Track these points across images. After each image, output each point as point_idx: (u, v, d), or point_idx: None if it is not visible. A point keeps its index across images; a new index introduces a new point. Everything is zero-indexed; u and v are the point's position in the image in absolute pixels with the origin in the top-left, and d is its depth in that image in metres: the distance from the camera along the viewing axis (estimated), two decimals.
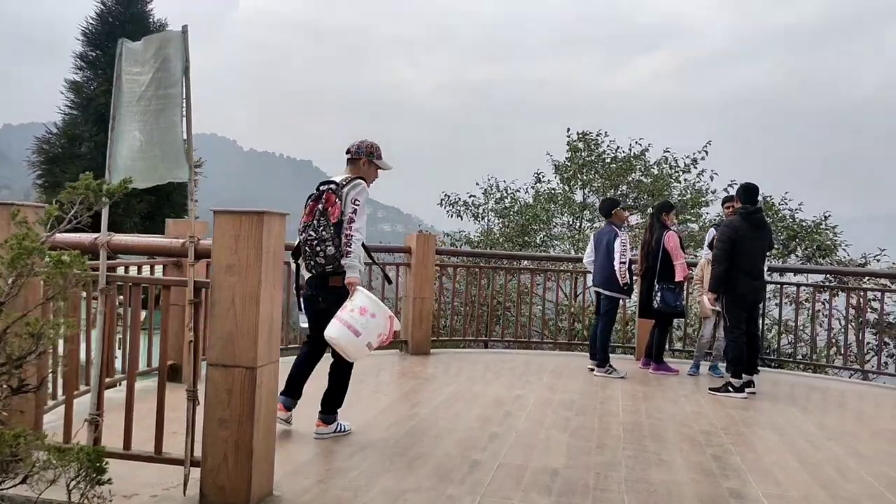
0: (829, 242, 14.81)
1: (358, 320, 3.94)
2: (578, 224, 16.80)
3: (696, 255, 10.64)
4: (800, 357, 8.71)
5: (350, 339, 3.93)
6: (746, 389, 6.18)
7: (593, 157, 16.66)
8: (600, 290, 6.90)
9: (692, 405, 5.70)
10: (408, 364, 6.92)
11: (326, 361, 4.38)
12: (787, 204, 15.57)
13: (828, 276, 12.34)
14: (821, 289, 10.39)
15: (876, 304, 9.52)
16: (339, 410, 4.34)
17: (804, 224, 15.05)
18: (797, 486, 3.80)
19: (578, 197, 17.08)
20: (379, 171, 4.55)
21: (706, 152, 16.43)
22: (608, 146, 16.76)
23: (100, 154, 12.76)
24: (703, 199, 16.15)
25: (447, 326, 9.54)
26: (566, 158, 17.03)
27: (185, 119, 3.10)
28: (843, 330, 9.20)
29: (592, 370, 6.90)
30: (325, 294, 4.18)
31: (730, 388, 6.13)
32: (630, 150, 16.68)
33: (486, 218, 17.61)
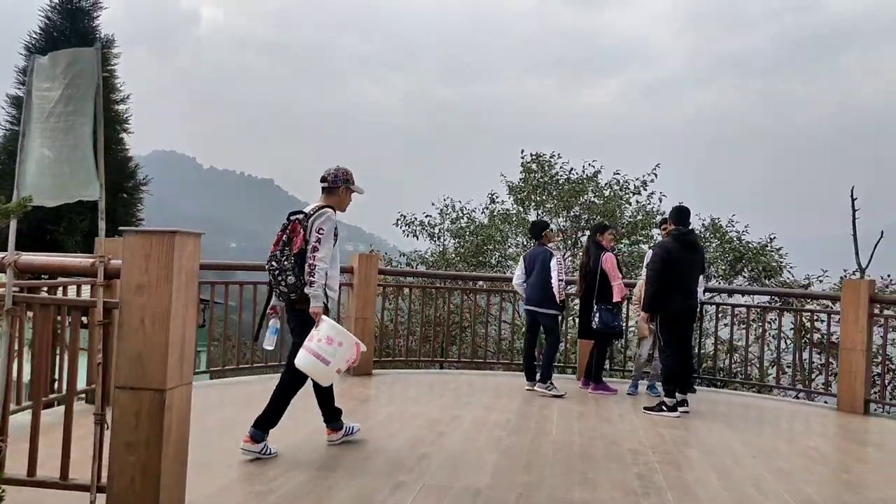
0: (774, 264, 15.22)
1: (325, 350, 4.14)
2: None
3: (640, 276, 10.78)
4: (743, 377, 8.88)
5: (319, 368, 4.15)
6: (680, 408, 6.27)
7: (546, 179, 16.88)
8: (537, 310, 6.97)
9: (626, 424, 5.76)
10: (348, 385, 6.87)
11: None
12: (734, 226, 16.01)
13: (773, 297, 12.65)
14: (767, 310, 10.60)
15: (820, 325, 9.77)
16: (271, 431, 4.30)
17: (750, 246, 15.44)
18: (715, 502, 3.86)
19: (532, 217, 17.26)
20: (352, 194, 4.64)
21: (655, 175, 16.81)
22: (561, 167, 17.03)
23: None
24: (653, 220, 16.45)
25: (399, 347, 9.51)
26: (520, 179, 17.24)
27: (95, 137, 3.06)
28: (787, 350, 9.46)
29: (531, 390, 6.94)
30: (290, 315, 4.41)
31: (663, 408, 6.22)
32: (583, 171, 16.97)
33: (441, 238, 17.69)
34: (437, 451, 4.60)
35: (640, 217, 16.49)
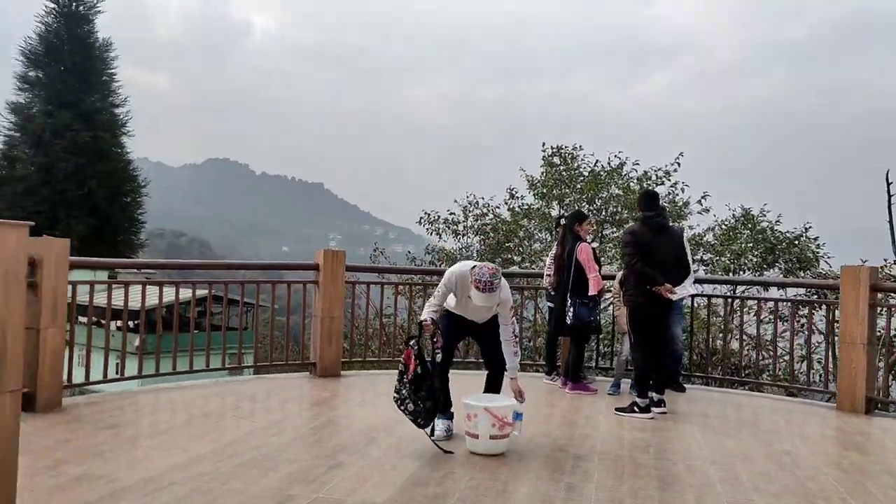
0: (810, 254, 14.37)
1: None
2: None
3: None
4: (743, 375, 8.24)
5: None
6: (655, 409, 5.78)
7: (569, 172, 16.35)
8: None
9: (588, 428, 5.31)
10: (308, 387, 6.57)
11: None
12: (765, 216, 15.19)
13: (809, 289, 11.90)
14: (802, 304, 9.84)
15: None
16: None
17: (783, 236, 14.62)
18: None
19: (555, 212, 16.75)
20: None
21: (678, 164, 16.12)
22: (583, 160, 16.48)
23: (38, 176, 12.71)
24: (683, 211, 15.76)
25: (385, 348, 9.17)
26: (541, 174, 16.76)
27: None
28: (816, 348, 8.69)
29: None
30: None
31: (635, 409, 5.73)
32: (608, 163, 16.38)
33: (465, 235, 17.34)
34: (355, 460, 4.24)
35: (670, 206, 15.75)
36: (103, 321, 6.94)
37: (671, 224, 6.24)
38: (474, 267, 4.45)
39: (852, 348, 6.17)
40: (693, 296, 7.25)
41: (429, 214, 17.03)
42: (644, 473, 4.16)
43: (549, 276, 7.13)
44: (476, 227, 16.94)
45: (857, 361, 6.13)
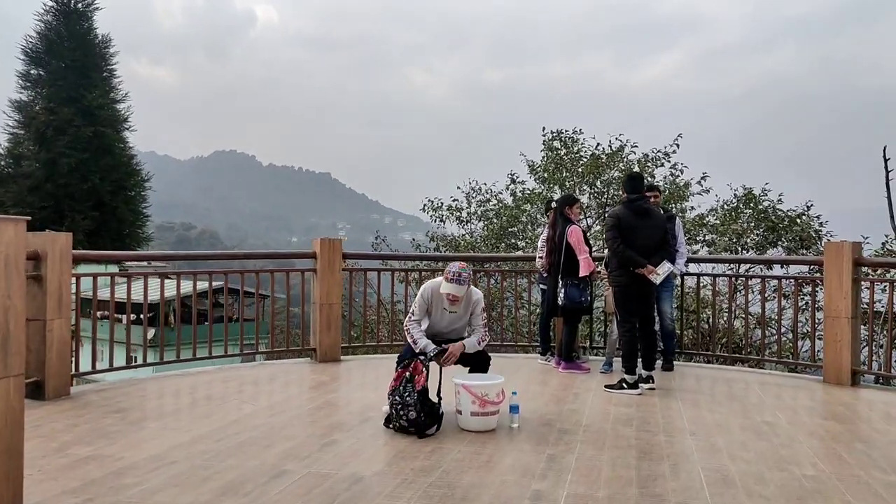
0: (812, 233, 14.43)
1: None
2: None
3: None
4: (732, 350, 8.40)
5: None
6: (644, 385, 5.95)
7: (570, 156, 16.43)
8: None
9: (576, 404, 5.48)
10: (308, 371, 6.78)
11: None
12: (766, 195, 15.23)
13: (812, 266, 11.99)
14: (805, 281, 9.95)
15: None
16: None
17: (785, 215, 14.67)
18: (614, 485, 3.59)
19: (556, 197, 16.83)
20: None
21: (677, 145, 16.18)
22: (584, 143, 16.56)
23: (42, 173, 12.91)
24: (684, 192, 15.82)
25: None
26: (542, 158, 16.85)
27: None
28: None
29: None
30: None
31: (624, 385, 5.90)
32: (609, 146, 16.44)
33: (469, 222, 17.47)
34: (347, 438, 4.43)
35: (671, 188, 15.80)
36: (117, 315, 7.16)
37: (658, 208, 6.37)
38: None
39: (836, 322, 6.31)
40: (682, 275, 7.40)
41: (432, 201, 17.18)
42: (624, 444, 4.33)
43: (541, 258, 7.30)
44: (479, 213, 17.10)
45: (841, 335, 6.27)
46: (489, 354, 5.12)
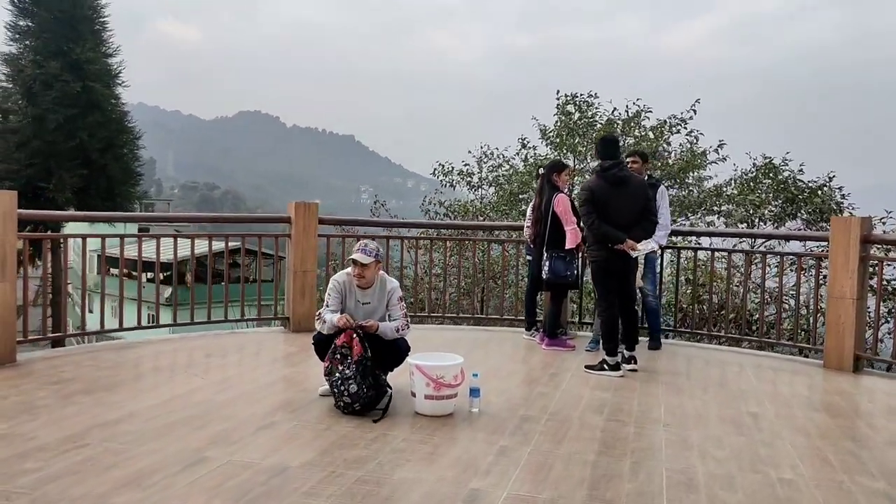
0: (834, 205, 13.81)
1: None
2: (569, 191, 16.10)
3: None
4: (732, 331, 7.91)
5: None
6: (626, 366, 5.56)
7: (584, 121, 15.83)
8: None
9: (549, 387, 5.10)
10: (280, 341, 6.50)
11: None
12: (787, 165, 14.57)
13: (820, 243, 11.41)
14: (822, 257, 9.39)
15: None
16: None
17: (805, 185, 14.03)
18: (562, 485, 3.22)
19: (570, 163, 16.29)
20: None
21: (694, 111, 15.52)
22: (598, 108, 15.94)
23: (30, 129, 12.52)
24: (700, 160, 15.18)
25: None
26: (555, 123, 16.27)
27: None
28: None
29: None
30: None
31: (605, 366, 5.50)
32: (626, 111, 15.81)
33: (480, 187, 17.03)
34: (287, 419, 4.10)
35: (685, 158, 15.18)
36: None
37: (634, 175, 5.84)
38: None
39: (840, 303, 5.84)
40: (661, 248, 6.84)
41: (443, 165, 16.70)
42: (588, 436, 3.96)
43: (528, 227, 6.87)
44: (490, 178, 16.62)
45: (845, 317, 5.81)
46: (409, 346, 4.61)
